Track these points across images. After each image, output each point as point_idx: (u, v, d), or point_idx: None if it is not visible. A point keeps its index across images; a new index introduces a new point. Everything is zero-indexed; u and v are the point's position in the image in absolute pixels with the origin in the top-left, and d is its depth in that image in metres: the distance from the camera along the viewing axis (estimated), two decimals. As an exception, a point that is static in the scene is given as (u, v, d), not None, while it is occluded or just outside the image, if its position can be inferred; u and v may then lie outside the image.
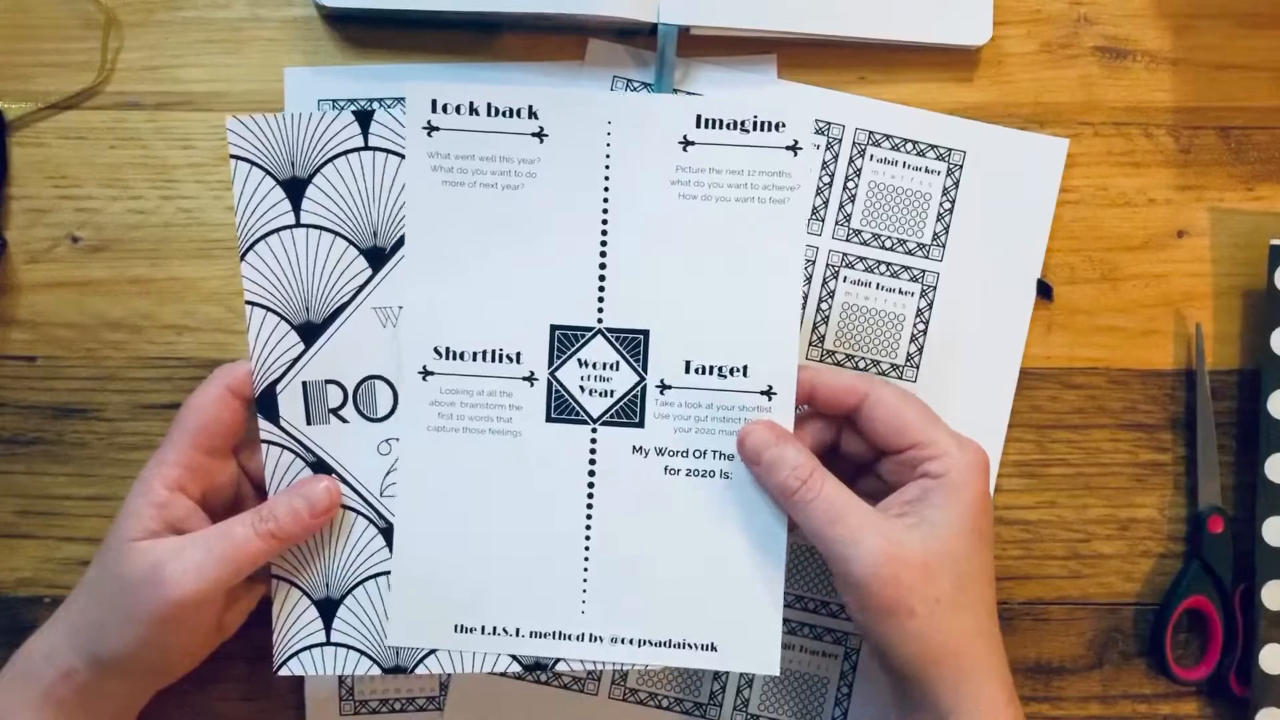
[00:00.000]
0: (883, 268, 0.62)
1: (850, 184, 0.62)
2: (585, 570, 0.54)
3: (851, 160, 0.62)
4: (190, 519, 0.53)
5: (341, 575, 0.55)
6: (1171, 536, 0.63)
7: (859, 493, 0.54)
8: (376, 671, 0.55)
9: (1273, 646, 0.61)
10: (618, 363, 0.54)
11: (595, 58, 0.62)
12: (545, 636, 0.54)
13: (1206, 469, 0.62)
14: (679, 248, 0.54)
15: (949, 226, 0.62)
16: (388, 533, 0.55)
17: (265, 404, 0.55)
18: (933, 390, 0.62)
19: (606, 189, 0.54)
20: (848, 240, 0.62)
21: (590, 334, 0.54)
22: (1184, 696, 0.63)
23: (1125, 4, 0.63)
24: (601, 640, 0.54)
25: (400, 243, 0.55)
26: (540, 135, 0.53)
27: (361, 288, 0.55)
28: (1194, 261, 0.63)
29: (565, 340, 0.54)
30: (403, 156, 0.54)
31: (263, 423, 0.55)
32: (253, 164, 0.54)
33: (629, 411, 0.54)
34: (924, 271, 0.62)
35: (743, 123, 0.53)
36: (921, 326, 0.62)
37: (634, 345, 0.54)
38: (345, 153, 0.54)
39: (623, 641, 0.54)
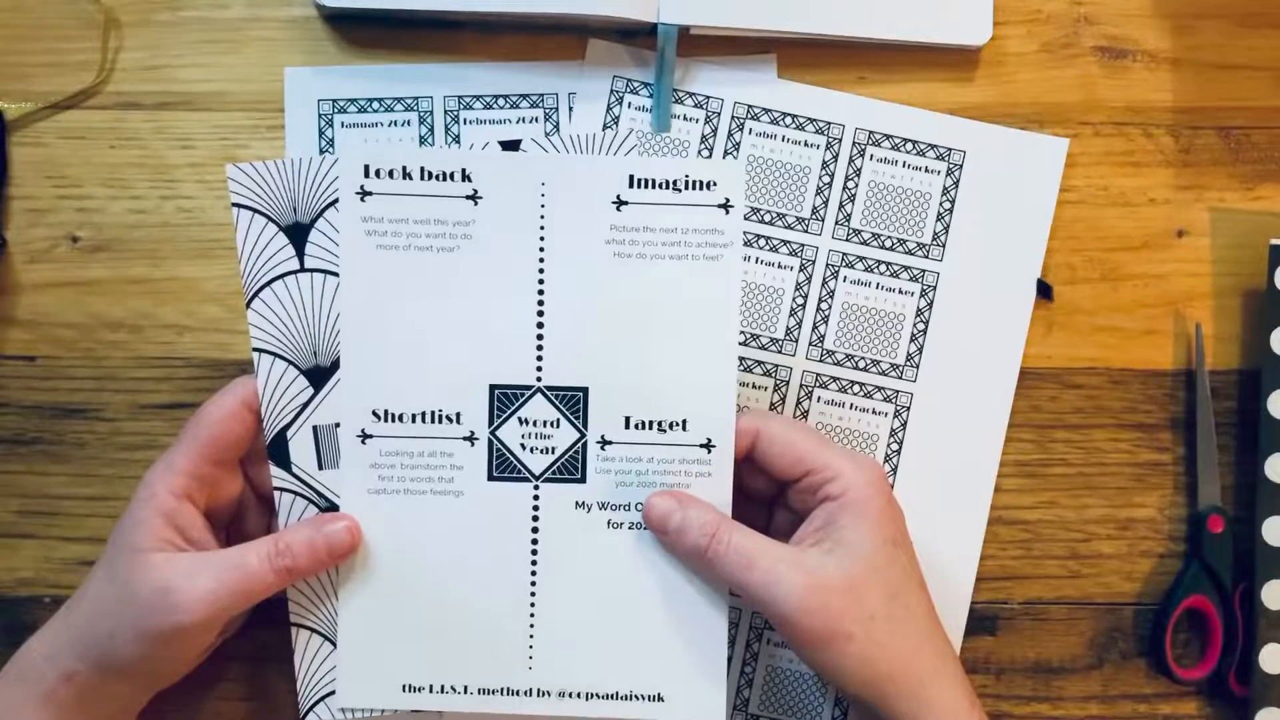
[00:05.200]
0: (883, 267, 0.62)
1: (850, 184, 0.62)
2: (531, 626, 0.55)
3: (851, 160, 0.62)
4: (198, 529, 0.53)
5: None
6: (1171, 536, 0.63)
7: (774, 530, 0.54)
8: (407, 709, 0.55)
9: (1273, 646, 0.61)
10: (558, 420, 0.54)
11: (595, 58, 0.62)
12: (494, 693, 0.55)
13: (1206, 469, 0.62)
14: (615, 305, 0.54)
15: (949, 226, 0.62)
16: None
17: (276, 450, 0.54)
18: (933, 390, 0.62)
19: (542, 249, 0.54)
20: (848, 240, 0.62)
21: (530, 392, 0.54)
22: (1184, 696, 0.63)
23: (1125, 4, 0.63)
24: (549, 695, 0.55)
25: None
26: (474, 198, 0.54)
27: None
28: (1194, 261, 0.63)
29: (505, 399, 0.54)
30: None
31: (274, 469, 0.54)
32: (255, 211, 0.54)
33: (570, 468, 0.55)
34: (924, 271, 0.62)
35: (674, 182, 0.54)
36: (921, 326, 0.62)
37: (573, 403, 0.54)
38: None
39: (570, 695, 0.55)
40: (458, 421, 0.54)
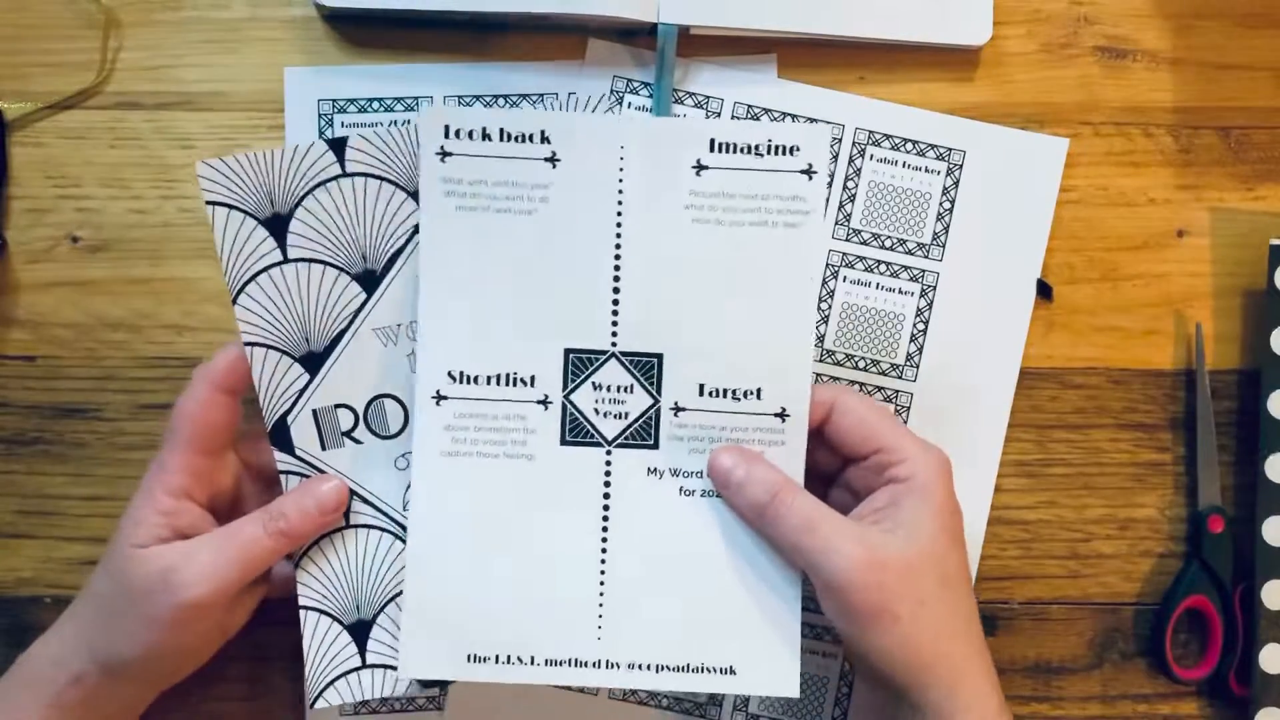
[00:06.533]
0: (883, 267, 0.62)
1: (850, 184, 0.62)
2: (601, 595, 0.53)
3: (851, 160, 0.62)
4: (199, 523, 0.53)
5: (372, 595, 0.55)
6: (1171, 536, 0.63)
7: (829, 506, 0.53)
8: (416, 689, 0.53)
9: (1273, 646, 0.61)
10: (632, 386, 0.54)
11: (595, 58, 0.62)
12: (561, 664, 0.53)
13: (1206, 469, 0.62)
14: (692, 271, 0.53)
15: (949, 226, 0.62)
16: None
17: (278, 435, 0.54)
18: (933, 390, 0.62)
19: (620, 213, 0.53)
20: (848, 240, 0.62)
21: (605, 357, 0.54)
22: (1184, 696, 0.63)
23: (1125, 4, 0.63)
24: (618, 667, 0.53)
25: (391, 262, 0.54)
26: (553, 160, 0.53)
27: (358, 311, 0.54)
28: (1194, 261, 0.63)
29: (579, 364, 0.54)
30: (381, 179, 0.54)
31: (278, 454, 0.54)
32: (231, 207, 0.53)
33: (643, 434, 0.54)
34: (924, 271, 0.62)
35: (756, 146, 0.53)
36: (921, 326, 0.62)
37: (648, 368, 0.54)
38: (323, 183, 0.54)
39: (640, 667, 0.53)
40: (532, 385, 0.54)
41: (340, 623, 0.55)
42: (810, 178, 0.53)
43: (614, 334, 0.54)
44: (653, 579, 0.54)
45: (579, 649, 0.53)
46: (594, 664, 0.53)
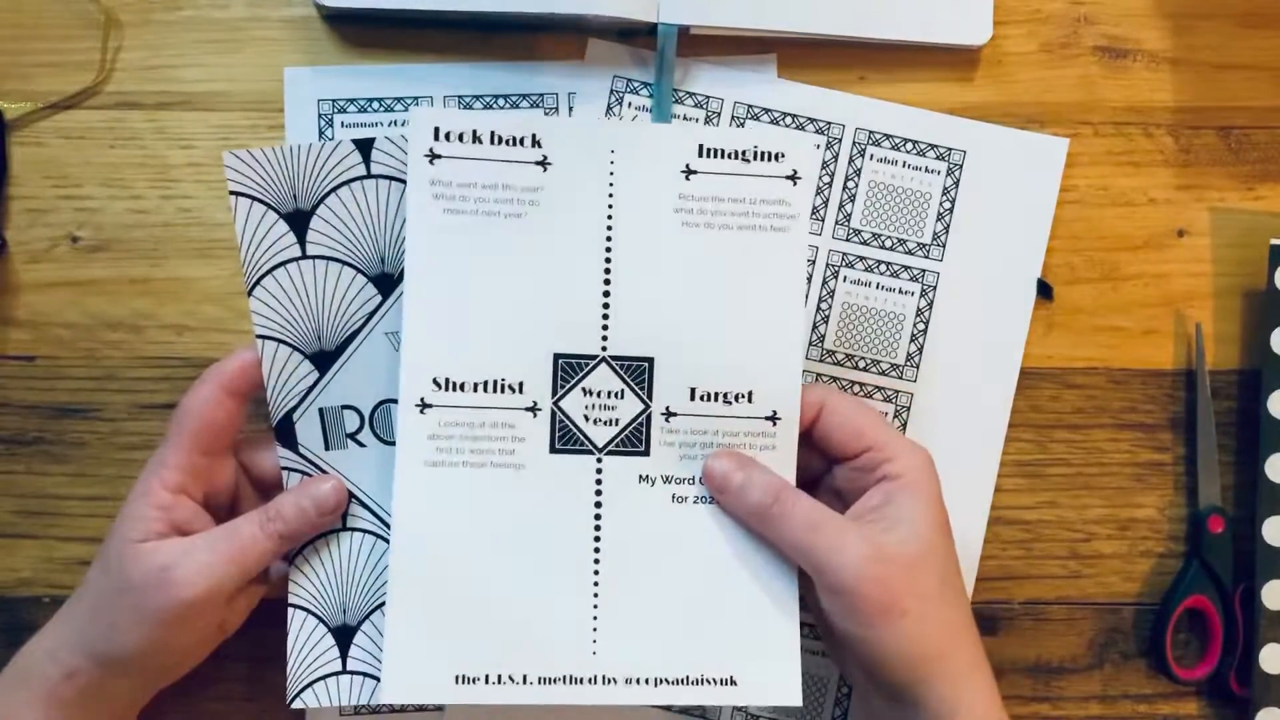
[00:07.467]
0: (883, 267, 0.62)
1: (850, 184, 0.62)
2: (595, 608, 0.53)
3: (851, 160, 0.62)
4: (195, 520, 0.53)
5: (359, 600, 0.55)
6: (1171, 536, 0.63)
7: None
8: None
9: (1273, 646, 0.61)
10: (622, 391, 0.53)
11: (595, 58, 0.62)
12: (555, 682, 0.52)
13: (1206, 469, 0.62)
14: (683, 275, 0.54)
15: (949, 226, 0.62)
16: None
17: (283, 432, 0.54)
18: (933, 390, 0.62)
19: (610, 217, 0.53)
20: (848, 240, 0.62)
21: (595, 362, 0.53)
22: (1184, 696, 0.63)
23: (1125, 4, 0.63)
24: (615, 682, 0.52)
25: None
26: (544, 164, 0.53)
27: (372, 314, 0.54)
28: (1194, 261, 0.63)
29: (569, 369, 0.53)
30: (405, 183, 0.53)
31: (281, 450, 0.54)
32: (254, 199, 0.53)
33: (634, 440, 0.54)
34: (924, 271, 0.62)
35: (744, 152, 0.54)
36: (921, 326, 0.62)
37: (639, 373, 0.54)
38: (348, 182, 0.54)
39: (638, 682, 0.52)
40: (520, 391, 0.53)
41: (325, 625, 0.55)
42: (795, 183, 0.54)
43: (604, 338, 0.53)
44: (647, 590, 0.53)
45: (573, 665, 0.52)
46: (589, 680, 0.52)
